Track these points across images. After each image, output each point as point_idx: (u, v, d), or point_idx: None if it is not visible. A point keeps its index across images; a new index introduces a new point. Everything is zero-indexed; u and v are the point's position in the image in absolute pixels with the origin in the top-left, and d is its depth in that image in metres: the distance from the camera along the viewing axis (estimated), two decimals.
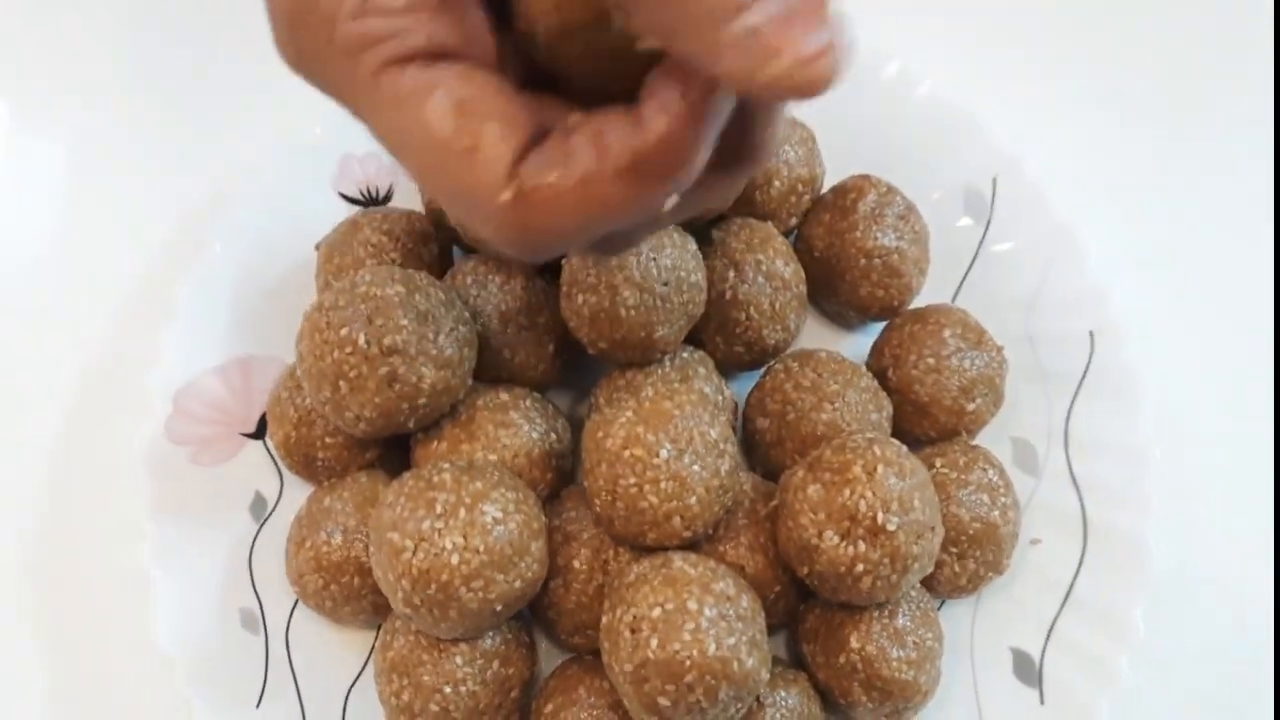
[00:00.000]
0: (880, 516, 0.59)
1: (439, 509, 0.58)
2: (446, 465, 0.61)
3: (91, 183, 0.86)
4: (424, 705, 0.62)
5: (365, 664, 0.68)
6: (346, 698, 0.67)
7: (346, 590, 0.65)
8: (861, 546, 0.59)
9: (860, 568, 0.59)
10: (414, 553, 0.58)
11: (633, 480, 0.60)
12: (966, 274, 0.77)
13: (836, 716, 0.66)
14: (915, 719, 0.66)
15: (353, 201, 0.79)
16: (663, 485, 0.60)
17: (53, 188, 0.86)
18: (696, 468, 0.61)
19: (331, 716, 0.67)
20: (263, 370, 0.73)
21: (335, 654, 0.69)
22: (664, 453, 0.60)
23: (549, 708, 0.63)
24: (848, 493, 0.59)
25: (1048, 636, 0.67)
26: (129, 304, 0.81)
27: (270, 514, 0.71)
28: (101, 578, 0.73)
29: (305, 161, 0.78)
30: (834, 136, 0.77)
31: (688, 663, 0.56)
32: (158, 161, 0.86)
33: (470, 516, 0.58)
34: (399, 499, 0.60)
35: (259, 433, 0.72)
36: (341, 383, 0.62)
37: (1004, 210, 0.77)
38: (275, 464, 0.72)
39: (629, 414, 0.62)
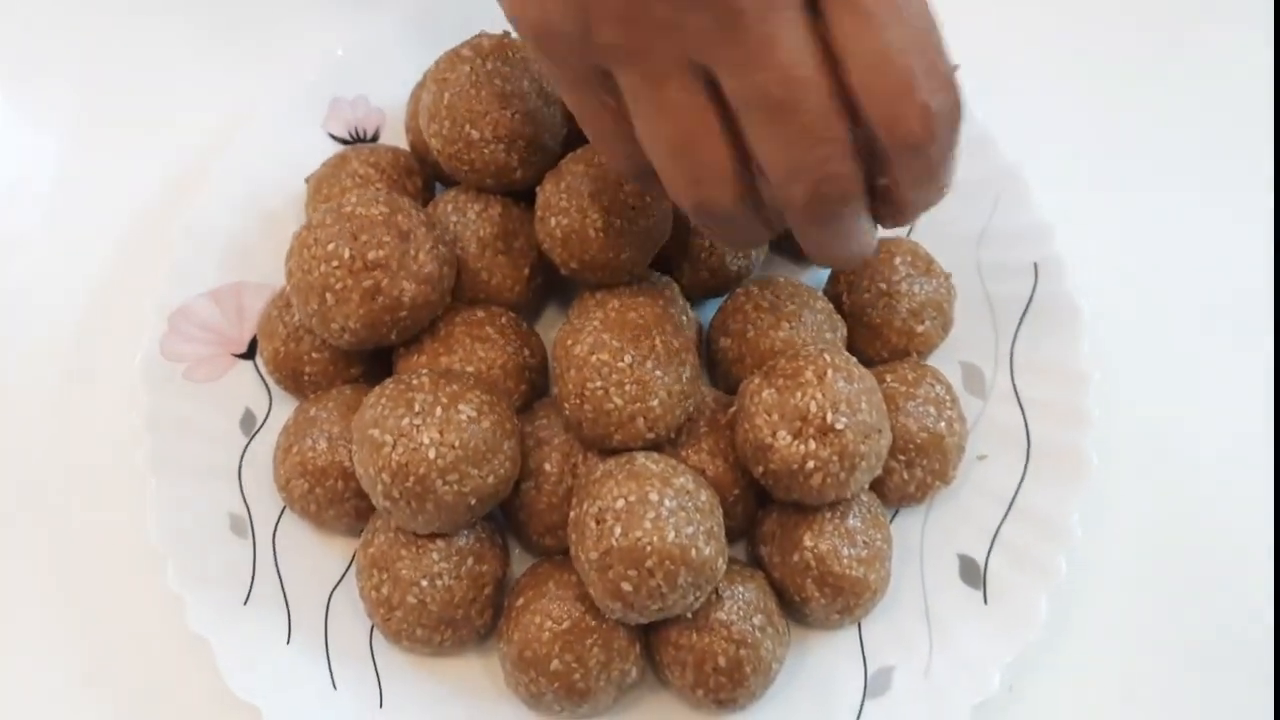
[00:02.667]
0: (829, 416, 0.63)
1: (417, 407, 0.63)
2: (425, 371, 0.66)
3: (96, 127, 0.90)
4: (402, 598, 0.66)
5: (348, 569, 0.72)
6: (329, 598, 0.71)
7: (330, 494, 0.69)
8: (812, 445, 0.63)
9: (811, 465, 0.63)
10: (393, 447, 0.62)
11: (599, 384, 0.65)
12: None
13: (792, 616, 0.70)
14: (866, 618, 0.70)
15: (341, 141, 0.83)
16: (627, 388, 0.64)
17: (59, 131, 0.91)
18: (659, 373, 0.65)
19: (315, 615, 0.70)
20: (254, 295, 0.77)
21: (319, 558, 0.72)
22: (628, 358, 0.65)
23: (520, 601, 0.67)
24: (799, 395, 0.64)
25: (991, 542, 0.71)
26: (133, 236, 0.85)
27: (259, 428, 0.75)
28: (102, 486, 0.77)
29: (297, 103, 0.82)
30: None
31: (648, 549, 0.60)
32: (160, 105, 0.91)
33: (446, 414, 0.63)
34: (380, 400, 0.64)
35: (249, 354, 0.76)
36: (328, 295, 0.66)
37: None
38: (264, 383, 0.76)
39: (596, 323, 0.66)
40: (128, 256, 0.84)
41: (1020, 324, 0.77)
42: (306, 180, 0.78)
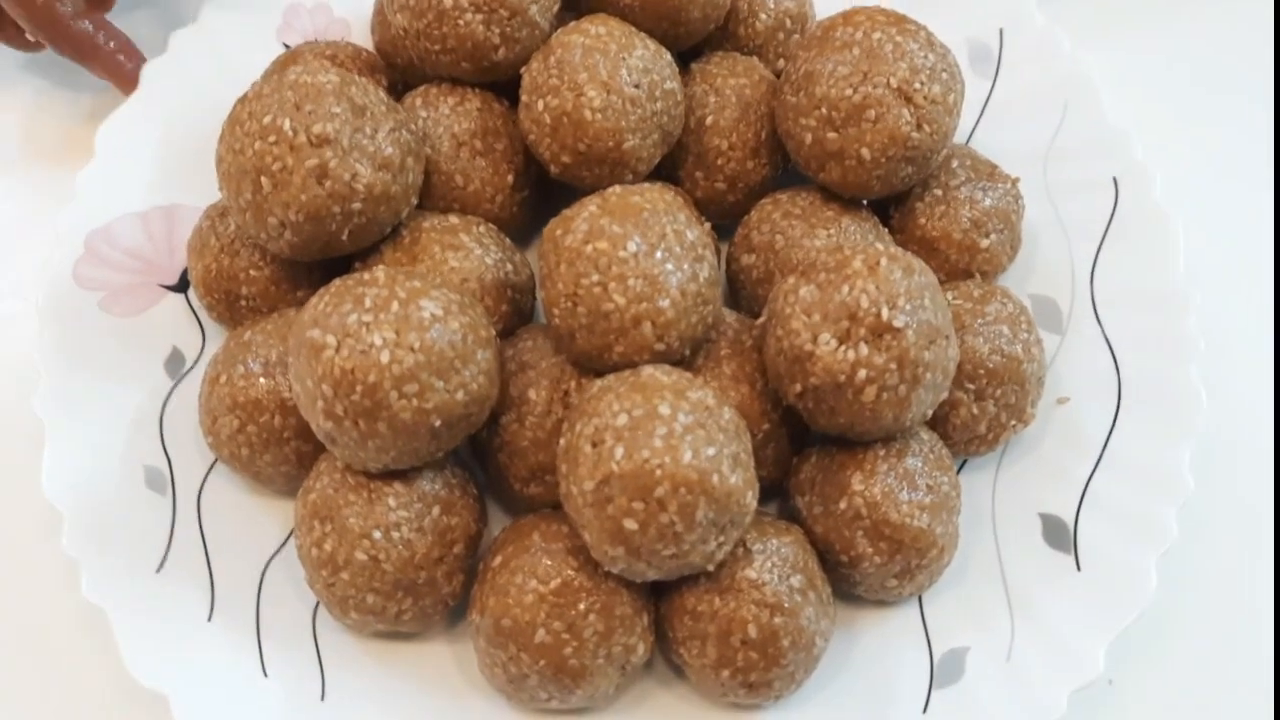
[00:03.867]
0: (885, 312, 0.51)
1: (368, 303, 0.50)
2: (380, 267, 0.53)
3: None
4: (349, 555, 0.52)
5: (288, 538, 0.59)
6: (265, 569, 0.59)
7: (265, 432, 0.56)
8: (864, 349, 0.51)
9: (863, 374, 0.51)
10: (337, 350, 0.49)
11: (596, 278, 0.52)
12: (974, 130, 0.70)
13: (838, 585, 0.56)
14: (930, 589, 0.57)
15: None
16: (631, 283, 0.52)
17: None
18: (670, 266, 0.53)
19: (245, 588, 0.58)
20: (189, 220, 0.66)
21: (254, 523, 0.61)
22: (632, 245, 0.52)
23: (497, 560, 0.53)
24: (846, 289, 0.51)
25: (1081, 498, 0.59)
26: (53, 152, 0.75)
27: (188, 371, 0.63)
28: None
29: (246, 8, 0.72)
30: None
31: (658, 473, 0.47)
32: None
33: (404, 311, 0.50)
34: (324, 297, 0.52)
35: (181, 286, 0.65)
36: (264, 179, 0.54)
37: (1011, 61, 0.71)
38: (198, 319, 0.64)
39: (593, 208, 0.54)
40: (42, 178, 0.73)
41: (1100, 246, 0.65)
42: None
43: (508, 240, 0.62)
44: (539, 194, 0.65)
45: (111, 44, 0.70)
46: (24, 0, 0.67)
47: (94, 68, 0.71)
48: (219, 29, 0.71)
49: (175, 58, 0.70)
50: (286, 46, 0.71)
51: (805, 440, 0.58)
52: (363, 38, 0.72)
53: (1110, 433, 0.60)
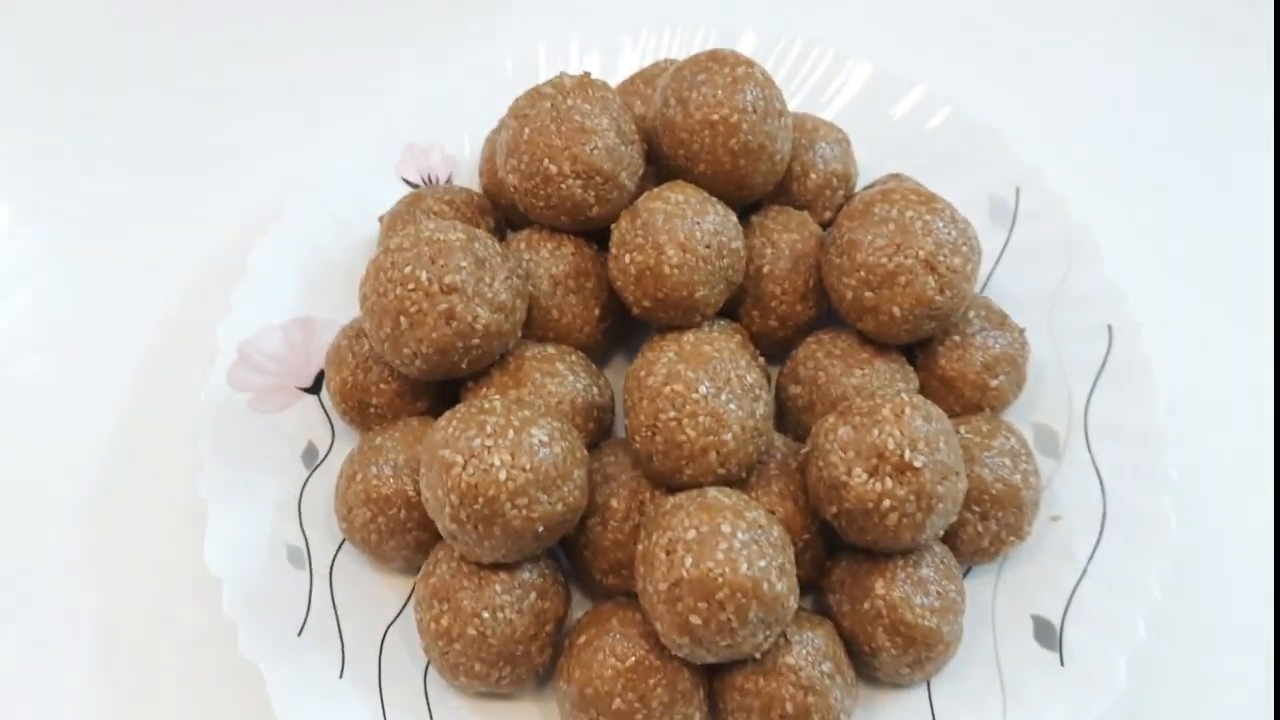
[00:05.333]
0: (907, 454, 0.62)
1: (489, 429, 0.62)
2: (496, 396, 0.65)
3: (178, 175, 0.95)
4: (462, 630, 0.64)
5: (404, 606, 0.71)
6: (384, 635, 0.69)
7: (393, 523, 0.68)
8: (889, 483, 0.62)
9: (887, 504, 0.62)
10: (464, 468, 0.61)
11: (672, 414, 0.64)
12: (991, 273, 0.81)
13: (860, 670, 0.67)
14: (936, 676, 0.68)
15: (414, 186, 0.84)
16: (700, 419, 0.63)
17: (147, 167, 0.95)
18: (733, 406, 0.64)
19: (369, 651, 0.68)
20: (322, 331, 0.77)
21: (375, 594, 0.71)
22: (703, 389, 0.64)
23: (582, 639, 0.64)
24: (876, 432, 0.63)
25: (1068, 604, 0.69)
26: (210, 272, 0.87)
27: (321, 462, 0.74)
28: (165, 512, 0.77)
29: (372, 148, 0.84)
30: (867, 152, 0.83)
31: (720, 579, 0.58)
32: (240, 154, 0.95)
33: (518, 438, 0.62)
34: (451, 421, 0.63)
35: (315, 388, 0.76)
36: (402, 318, 0.66)
37: (1026, 216, 0.82)
38: (328, 417, 0.76)
39: (671, 354, 0.65)
40: (202, 292, 0.85)
41: (1094, 386, 0.76)
42: (380, 218, 0.78)
43: (594, 366, 0.73)
44: (618, 323, 0.76)
45: None
46: None
47: None
48: (348, 165, 0.83)
49: (313, 190, 0.81)
50: (406, 180, 0.83)
51: (838, 546, 0.69)
52: (468, 174, 0.84)
53: (1095, 549, 0.70)
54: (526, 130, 0.71)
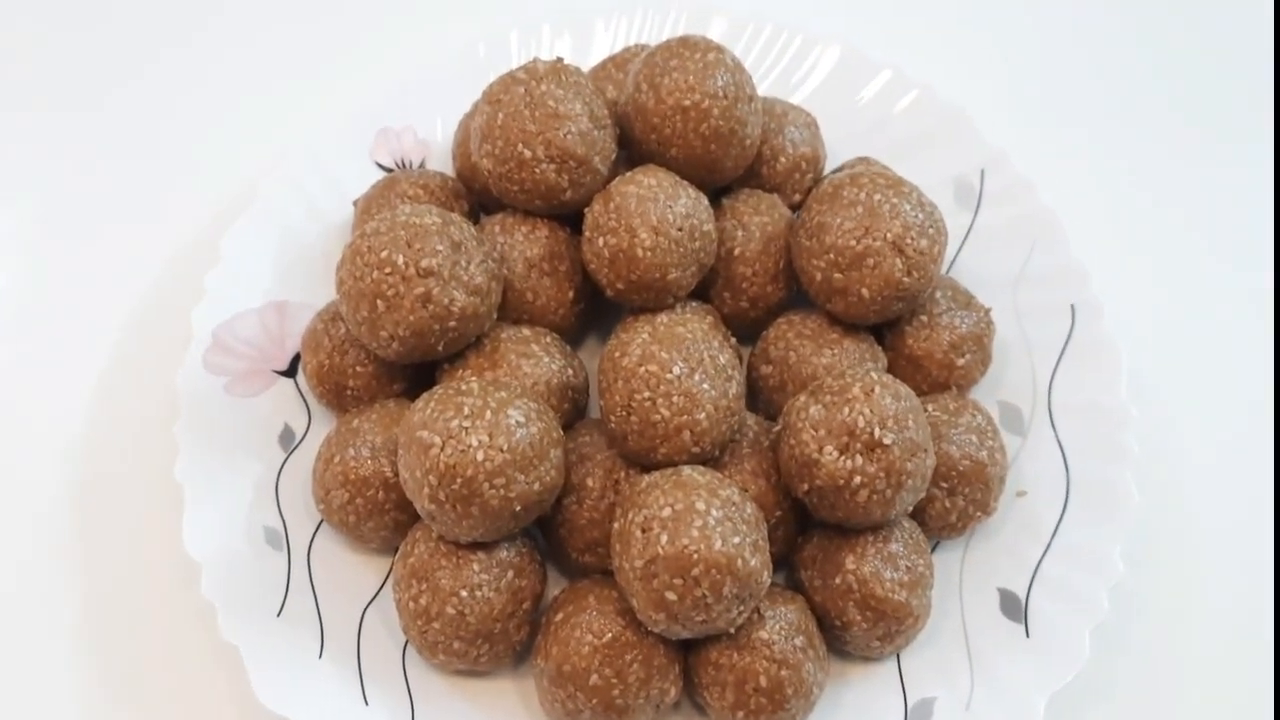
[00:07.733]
0: (877, 432, 0.63)
1: (466, 410, 0.63)
2: (473, 378, 0.66)
3: (151, 158, 0.95)
4: (440, 608, 0.65)
5: (382, 586, 0.72)
6: (363, 615, 0.70)
7: (370, 504, 0.68)
8: (859, 460, 0.63)
9: (858, 480, 0.63)
10: (442, 449, 0.62)
11: (646, 394, 0.65)
12: (957, 254, 0.83)
13: (832, 644, 0.68)
14: (906, 649, 0.69)
15: (387, 170, 0.84)
16: (674, 399, 0.65)
17: (124, 152, 0.95)
18: (706, 386, 0.65)
19: (348, 631, 0.69)
20: (297, 315, 0.78)
21: (354, 575, 0.72)
22: (676, 369, 0.65)
23: (559, 617, 0.66)
24: (847, 410, 0.64)
25: (1033, 577, 0.71)
26: (184, 257, 0.87)
27: (297, 445, 0.75)
28: (141, 496, 0.77)
29: (345, 132, 0.84)
30: (835, 135, 0.84)
31: (695, 556, 0.59)
32: (214, 138, 0.95)
33: (495, 419, 0.62)
34: (429, 403, 0.64)
35: (290, 372, 0.77)
36: (379, 301, 0.67)
37: (991, 198, 0.83)
38: (304, 400, 0.76)
39: (645, 335, 0.66)
40: (176, 278, 0.85)
41: (1058, 363, 0.77)
42: (354, 203, 0.79)
43: (568, 348, 0.74)
44: (592, 306, 0.77)
45: None
46: None
47: None
48: (321, 149, 0.83)
49: (286, 174, 0.81)
50: (379, 164, 0.84)
51: (809, 523, 0.70)
52: (442, 158, 0.85)
53: (1059, 523, 0.72)
54: (500, 115, 0.71)
